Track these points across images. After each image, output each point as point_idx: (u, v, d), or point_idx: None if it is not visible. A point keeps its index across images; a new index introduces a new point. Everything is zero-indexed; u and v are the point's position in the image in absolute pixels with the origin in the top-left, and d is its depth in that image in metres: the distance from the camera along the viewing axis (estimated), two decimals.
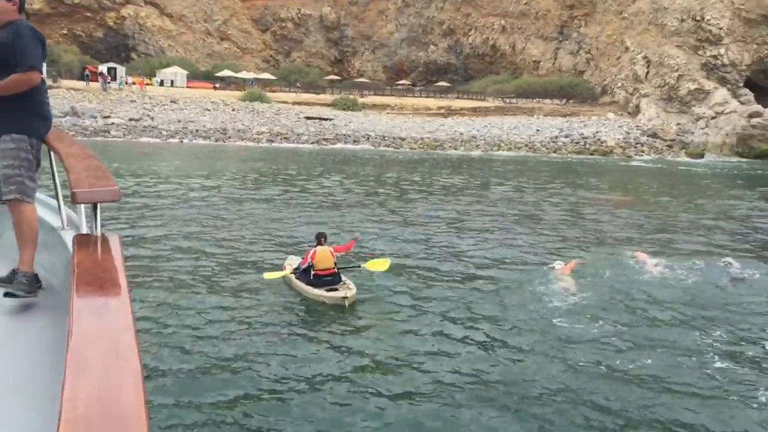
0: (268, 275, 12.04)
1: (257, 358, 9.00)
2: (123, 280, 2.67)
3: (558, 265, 13.67)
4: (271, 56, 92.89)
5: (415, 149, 52.38)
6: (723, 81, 64.35)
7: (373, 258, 13.31)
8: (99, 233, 3.28)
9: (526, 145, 55.25)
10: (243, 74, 77.34)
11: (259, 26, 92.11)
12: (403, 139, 55.00)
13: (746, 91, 64.18)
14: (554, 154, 53.18)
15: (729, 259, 14.60)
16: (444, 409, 7.64)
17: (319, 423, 7.32)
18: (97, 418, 1.52)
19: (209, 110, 59.88)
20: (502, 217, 21.24)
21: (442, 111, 70.75)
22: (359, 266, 12.52)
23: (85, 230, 3.68)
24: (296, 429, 7.21)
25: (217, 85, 74.20)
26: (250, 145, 49.10)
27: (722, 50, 64.78)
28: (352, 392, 8.03)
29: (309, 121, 59.76)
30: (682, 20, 65.40)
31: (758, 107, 60.33)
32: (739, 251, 16.87)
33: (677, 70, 64.97)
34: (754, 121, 58.65)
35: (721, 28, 64.19)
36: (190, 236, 16.34)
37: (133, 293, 9.58)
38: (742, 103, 62.04)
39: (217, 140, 50.06)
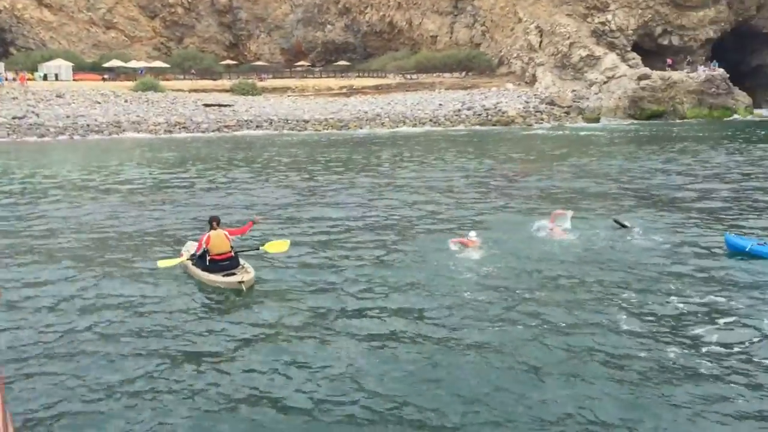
0: (162, 263, 11.57)
1: (150, 349, 8.53)
2: None
3: (472, 235, 13.51)
4: (162, 44, 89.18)
5: (319, 130, 51.69)
6: (612, 46, 66.58)
7: (272, 240, 12.98)
8: None
9: (430, 120, 55.50)
10: (133, 63, 73.96)
11: (146, 13, 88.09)
12: (307, 121, 54.13)
13: (634, 54, 66.68)
14: (459, 127, 53.70)
15: (627, 223, 14.87)
16: (348, 393, 7.30)
17: (216, 414, 6.91)
18: None
19: (100, 103, 56.91)
20: (409, 193, 21.05)
21: (344, 90, 70.09)
22: (258, 249, 12.20)
23: None
24: (192, 420, 6.78)
25: (106, 77, 70.68)
26: (147, 137, 47.15)
27: (609, 16, 66.98)
28: (252, 380, 7.63)
29: (208, 109, 57.79)
30: None
31: (646, 70, 62.86)
32: (638, 211, 17.32)
33: (569, 38, 66.69)
34: (643, 83, 61.09)
35: None
36: (80, 231, 15.64)
37: (15, 292, 8.89)
38: (630, 66, 64.41)
39: (110, 134, 47.77)
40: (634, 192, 20.81)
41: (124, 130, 48.87)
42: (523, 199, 19.60)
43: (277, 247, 12.18)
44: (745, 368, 7.77)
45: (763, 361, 7.96)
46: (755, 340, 8.58)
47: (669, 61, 66.47)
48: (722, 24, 68.90)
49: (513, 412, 6.79)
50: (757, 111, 63.36)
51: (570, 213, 15.05)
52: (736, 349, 8.32)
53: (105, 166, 28.95)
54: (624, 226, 14.69)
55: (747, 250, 12.30)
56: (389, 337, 8.72)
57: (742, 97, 62.59)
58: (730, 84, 61.99)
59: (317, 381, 7.54)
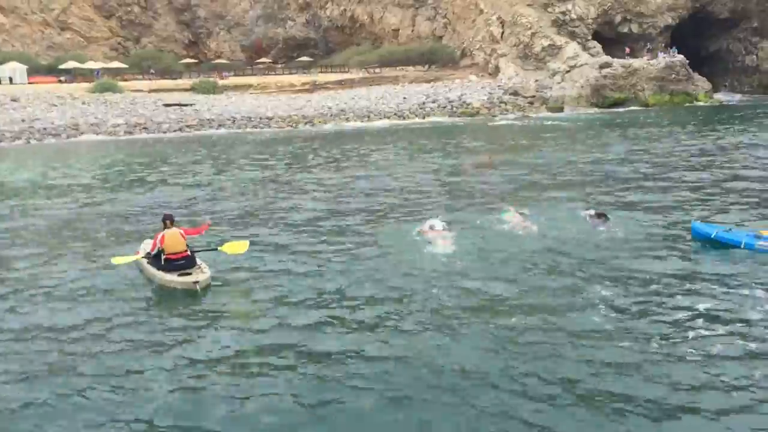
0: (116, 260, 11.39)
1: (102, 351, 8.21)
2: None
3: (437, 225, 13.43)
4: (119, 44, 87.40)
5: (283, 127, 51.01)
6: (573, 35, 66.92)
7: (232, 240, 12.72)
8: None
9: (395, 114, 55.16)
10: (90, 65, 72.27)
11: (102, 13, 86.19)
12: (270, 119, 53.39)
13: (595, 43, 67.13)
14: (423, 120, 53.46)
15: (591, 211, 14.80)
16: (309, 395, 6.92)
17: (169, 417, 6.63)
18: None
19: (56, 106, 55.46)
20: (375, 188, 20.68)
21: (307, 86, 69.39)
22: (216, 249, 11.98)
23: None
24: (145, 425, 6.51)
25: (63, 78, 69.03)
26: (107, 139, 46.02)
27: (570, 6, 67.28)
28: (202, 385, 7.29)
29: (169, 108, 56.68)
30: None
31: (607, 58, 63.24)
32: (605, 199, 17.28)
33: (530, 28, 66.84)
34: (605, 71, 61.42)
35: None
36: (36, 232, 15.49)
37: None
38: (592, 55, 64.79)
39: (68, 137, 46.55)
40: (600, 181, 20.83)
41: (82, 133, 47.66)
42: (490, 191, 19.44)
43: (236, 248, 11.89)
44: (710, 354, 7.67)
45: (728, 346, 7.85)
46: (721, 328, 8.44)
47: (627, 50, 66.89)
48: (680, 11, 69.71)
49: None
50: (716, 96, 64.21)
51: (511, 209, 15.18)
52: (701, 335, 8.20)
53: (61, 170, 28.08)
54: (596, 216, 14.41)
55: (713, 237, 12.24)
56: (353, 348, 8.21)
57: (702, 83, 63.33)
58: (690, 70, 62.64)
59: (276, 395, 7.11)
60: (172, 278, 10.63)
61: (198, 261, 11.15)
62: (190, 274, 10.70)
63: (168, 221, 11.29)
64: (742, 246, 11.71)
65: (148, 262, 11.19)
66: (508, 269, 11.12)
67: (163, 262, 10.86)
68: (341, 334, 8.63)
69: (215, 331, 8.81)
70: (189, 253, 11.07)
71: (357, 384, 7.19)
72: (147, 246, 12.01)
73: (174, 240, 10.95)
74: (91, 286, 10.83)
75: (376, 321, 8.99)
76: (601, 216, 14.39)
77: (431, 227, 13.35)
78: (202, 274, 10.69)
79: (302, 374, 7.44)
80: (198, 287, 10.26)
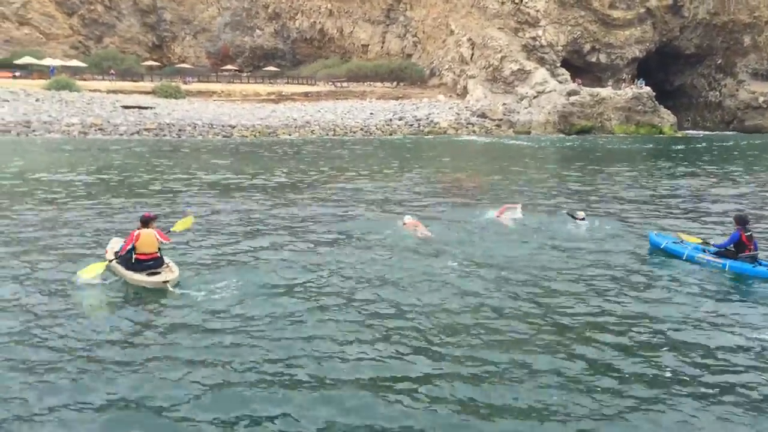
0: (85, 273, 10.47)
1: (71, 354, 7.63)
2: None
3: (407, 219, 14.53)
4: (80, 42, 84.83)
5: (246, 137, 49.62)
6: (542, 61, 67.03)
7: (177, 221, 12.66)
8: None
9: (361, 129, 54.26)
10: (48, 61, 69.82)
11: (64, 9, 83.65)
12: (233, 127, 51.94)
13: (563, 70, 67.32)
14: (390, 137, 52.58)
15: (580, 214, 15.69)
16: (276, 390, 6.70)
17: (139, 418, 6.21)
18: None
19: (8, 101, 53.04)
20: (341, 192, 20.03)
21: (273, 97, 68.10)
22: (168, 231, 11.67)
23: None
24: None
25: (17, 74, 66.40)
26: (60, 138, 43.97)
27: (540, 32, 67.45)
28: (174, 379, 6.94)
29: (127, 111, 54.77)
30: (503, 3, 67.30)
31: (575, 86, 63.44)
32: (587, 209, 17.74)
33: (500, 51, 66.78)
34: (573, 99, 61.59)
35: (538, 11, 66.76)
36: None
37: None
38: (560, 82, 64.92)
39: (18, 134, 44.50)
40: (580, 193, 21.47)
41: (34, 131, 45.62)
42: (471, 194, 20.23)
43: (184, 224, 12.12)
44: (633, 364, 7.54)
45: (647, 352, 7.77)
46: (646, 332, 8.49)
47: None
48: (647, 44, 70.54)
49: None
50: (681, 132, 64.72)
51: (519, 206, 16.24)
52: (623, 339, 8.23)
53: (9, 170, 26.23)
54: (575, 218, 15.39)
55: (662, 247, 13.09)
56: (325, 355, 7.67)
57: (668, 116, 63.96)
58: (656, 102, 63.21)
59: (236, 374, 7.04)
60: (141, 277, 10.36)
61: (166, 260, 10.90)
62: (159, 273, 10.50)
63: (151, 222, 10.88)
64: (684, 258, 12.55)
65: (117, 262, 10.75)
66: (484, 247, 12.17)
67: (133, 262, 10.52)
68: (314, 346, 8.07)
69: (186, 327, 8.52)
70: (159, 254, 10.77)
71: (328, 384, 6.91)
72: (115, 244, 11.62)
73: (148, 240, 10.59)
74: (59, 288, 10.22)
75: (365, 312, 8.79)
76: (575, 218, 15.48)
77: (410, 219, 14.59)
78: (171, 273, 10.46)
79: (273, 368, 7.29)
80: (168, 286, 10.04)
